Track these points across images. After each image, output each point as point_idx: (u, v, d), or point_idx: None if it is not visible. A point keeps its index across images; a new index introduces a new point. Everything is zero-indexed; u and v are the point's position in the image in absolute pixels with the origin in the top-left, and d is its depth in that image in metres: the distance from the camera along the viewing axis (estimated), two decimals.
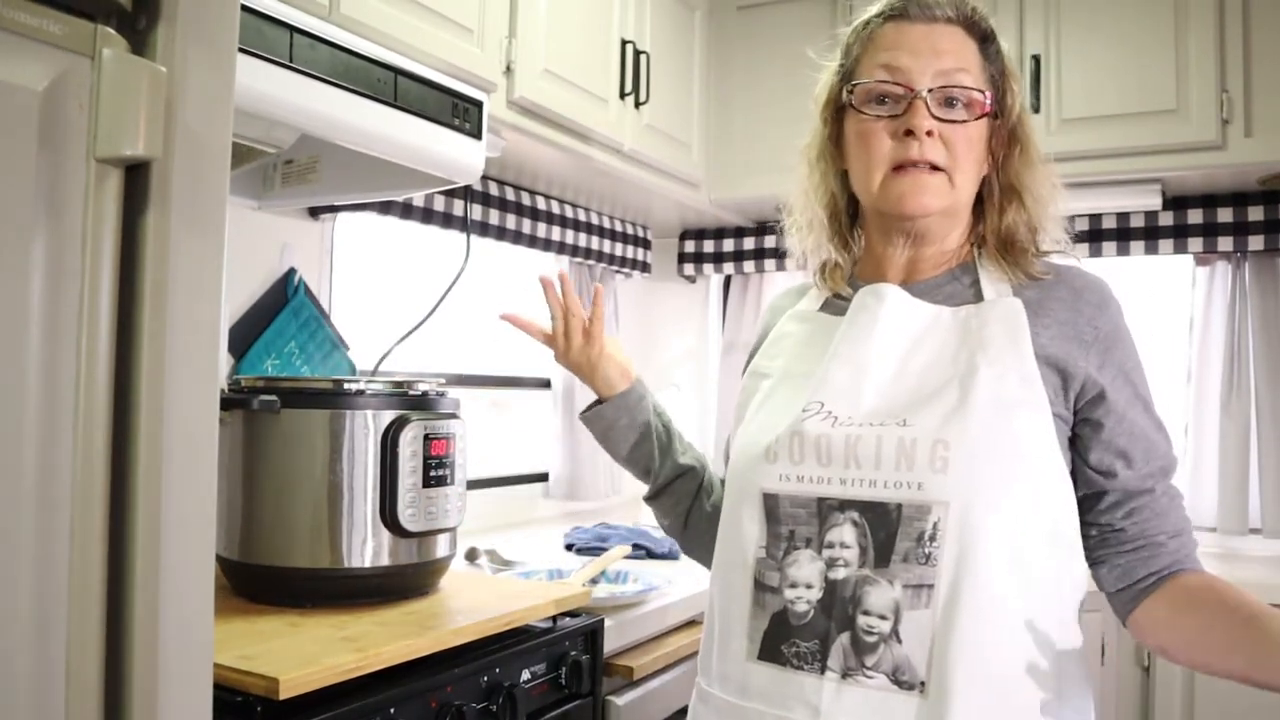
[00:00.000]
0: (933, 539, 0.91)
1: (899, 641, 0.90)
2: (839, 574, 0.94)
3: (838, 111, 1.07)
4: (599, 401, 1.25)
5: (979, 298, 1.02)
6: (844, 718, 0.91)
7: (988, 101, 1.00)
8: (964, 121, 0.99)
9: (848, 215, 1.12)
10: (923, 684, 0.89)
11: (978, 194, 1.06)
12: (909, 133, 0.98)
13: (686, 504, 1.22)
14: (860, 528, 0.94)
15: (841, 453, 0.96)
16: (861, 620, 0.92)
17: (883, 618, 0.91)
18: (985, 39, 1.04)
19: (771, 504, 0.99)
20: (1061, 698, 0.93)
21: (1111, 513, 0.98)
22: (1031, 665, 0.91)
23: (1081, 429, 0.98)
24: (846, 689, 0.91)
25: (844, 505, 0.95)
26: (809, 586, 0.95)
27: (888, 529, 0.92)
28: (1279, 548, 2.36)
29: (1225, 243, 2.43)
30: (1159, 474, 0.99)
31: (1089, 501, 0.99)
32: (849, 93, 1.04)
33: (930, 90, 0.98)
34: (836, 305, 1.10)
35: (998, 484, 0.92)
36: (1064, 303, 1.00)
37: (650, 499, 1.25)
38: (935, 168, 0.99)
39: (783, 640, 0.96)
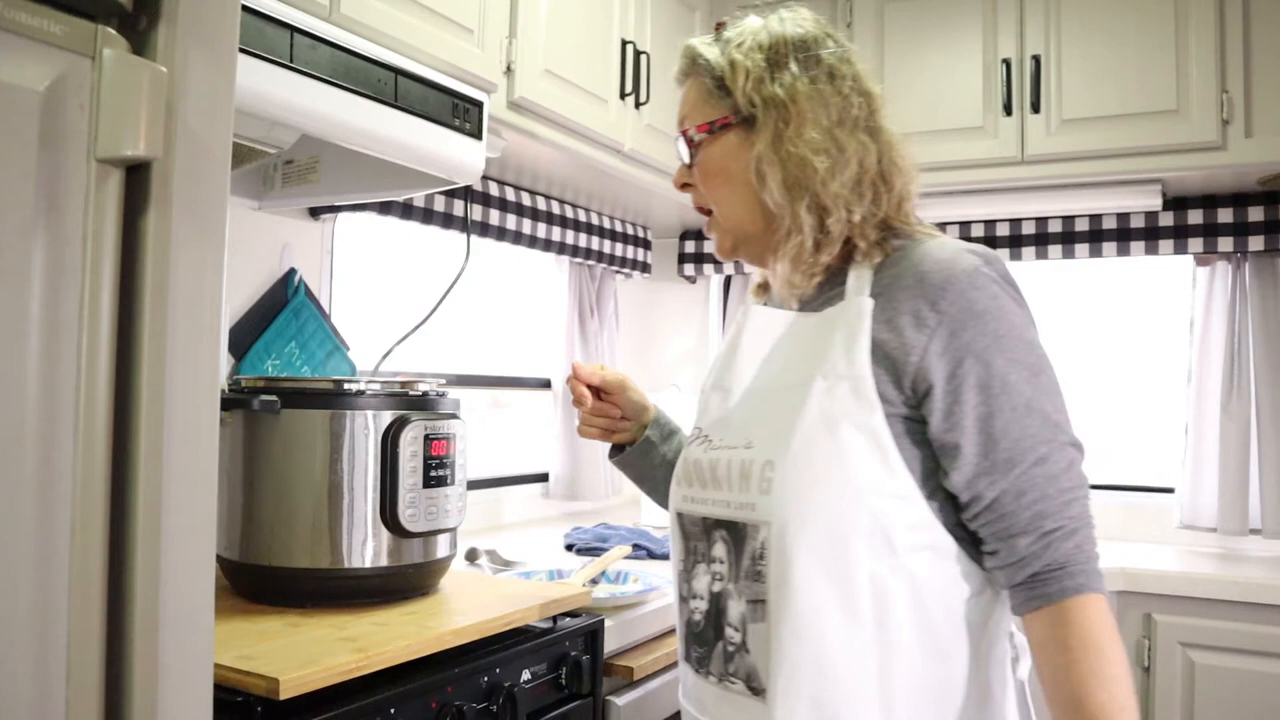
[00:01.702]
0: (761, 557, 0.95)
1: (748, 651, 0.96)
2: (716, 587, 1.00)
3: None
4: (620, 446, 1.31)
5: (843, 299, 0.99)
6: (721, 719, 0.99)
7: (694, 133, 1.06)
8: (691, 164, 1.08)
9: None
10: (765, 691, 0.94)
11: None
12: None
13: None
14: (728, 544, 0.99)
15: (710, 475, 1.01)
16: (726, 631, 0.99)
17: (736, 629, 0.97)
18: (697, 69, 1.08)
19: (680, 523, 1.06)
20: (898, 703, 0.91)
21: (964, 514, 0.94)
22: (858, 673, 0.90)
23: (921, 424, 0.94)
24: (721, 693, 0.99)
25: (717, 524, 1.00)
26: (700, 598, 1.02)
27: (740, 546, 0.97)
28: (1279, 548, 2.37)
29: (1225, 243, 2.43)
30: (1003, 467, 0.90)
31: (955, 503, 0.95)
32: None
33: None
34: None
35: (814, 501, 0.91)
36: (908, 289, 0.94)
37: None
38: (708, 209, 1.09)
39: (691, 645, 1.04)
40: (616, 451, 1.31)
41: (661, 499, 1.25)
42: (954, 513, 0.94)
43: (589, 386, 1.25)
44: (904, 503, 0.92)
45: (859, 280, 0.98)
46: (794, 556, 0.91)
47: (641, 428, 1.28)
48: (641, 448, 1.27)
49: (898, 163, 1.01)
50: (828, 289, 1.02)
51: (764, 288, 1.17)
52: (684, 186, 1.11)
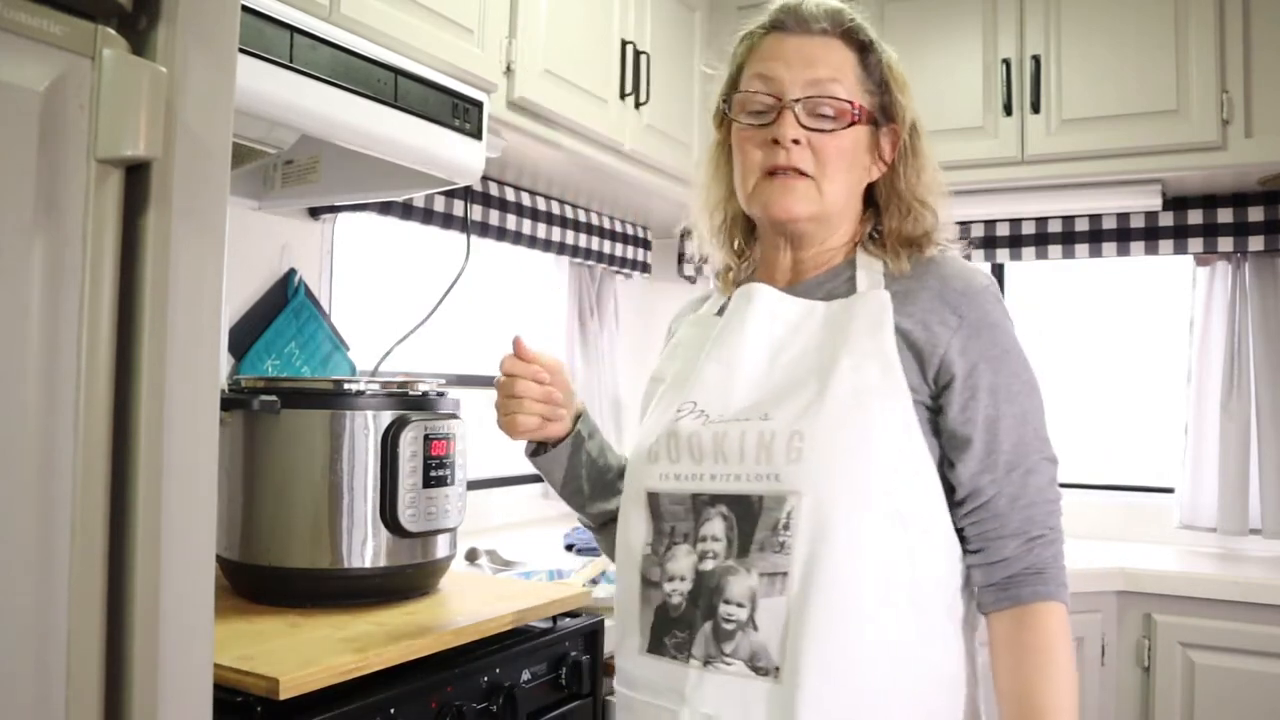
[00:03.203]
0: (786, 528, 0.94)
1: (755, 628, 0.94)
2: (707, 565, 0.97)
3: (724, 121, 1.11)
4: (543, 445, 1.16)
5: (854, 292, 1.04)
6: (704, 704, 0.95)
7: (855, 111, 1.02)
8: (831, 130, 1.02)
9: (743, 221, 1.14)
10: (777, 669, 0.92)
11: (871, 197, 1.09)
12: (776, 141, 1.02)
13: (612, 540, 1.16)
14: (728, 521, 0.97)
15: (710, 449, 0.99)
16: (722, 609, 0.95)
17: (740, 605, 0.95)
18: (864, 49, 1.06)
19: (654, 502, 1.02)
20: (922, 684, 0.94)
21: (958, 510, 0.98)
22: (883, 653, 0.92)
23: (938, 415, 0.98)
24: (707, 676, 0.95)
25: (714, 500, 0.98)
26: (682, 579, 0.99)
27: (751, 520, 0.96)
28: (1279, 548, 2.36)
29: (1225, 243, 2.43)
30: (1003, 468, 0.96)
31: (951, 497, 0.99)
32: (725, 102, 1.09)
33: (799, 100, 1.02)
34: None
35: (848, 472, 0.93)
36: (931, 290, 1.01)
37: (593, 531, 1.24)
38: (803, 173, 1.02)
39: (665, 633, 0.99)
40: (539, 449, 1.15)
41: (583, 501, 1.17)
42: (949, 509, 0.98)
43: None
44: (916, 488, 0.96)
45: (870, 277, 1.03)
46: (830, 526, 0.92)
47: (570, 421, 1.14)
48: (574, 442, 1.14)
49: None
50: (826, 280, 1.06)
51: (727, 272, 1.17)
52: (794, 141, 1.02)
